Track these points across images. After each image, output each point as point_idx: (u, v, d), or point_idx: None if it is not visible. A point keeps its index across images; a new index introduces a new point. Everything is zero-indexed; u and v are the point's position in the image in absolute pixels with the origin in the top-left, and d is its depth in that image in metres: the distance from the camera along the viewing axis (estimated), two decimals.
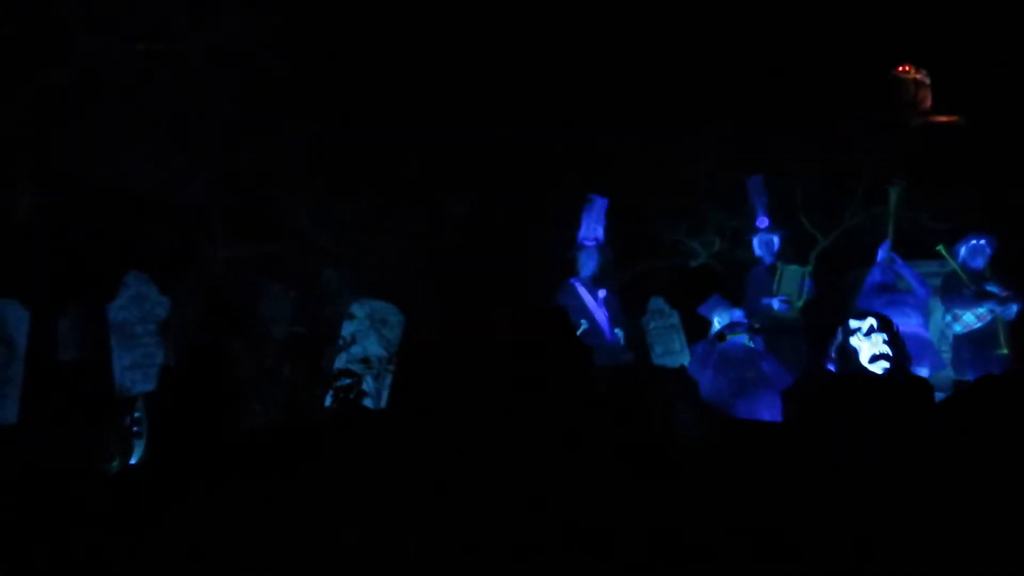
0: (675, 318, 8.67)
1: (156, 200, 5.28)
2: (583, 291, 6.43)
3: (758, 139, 8.16)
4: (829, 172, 8.48)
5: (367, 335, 5.16)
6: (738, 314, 5.28)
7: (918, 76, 7.37)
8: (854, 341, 4.30)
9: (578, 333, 6.20)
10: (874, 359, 4.28)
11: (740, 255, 8.88)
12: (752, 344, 5.16)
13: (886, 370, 4.17)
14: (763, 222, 6.88)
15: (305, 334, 5.14)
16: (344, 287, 5.29)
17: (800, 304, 6.64)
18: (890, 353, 4.21)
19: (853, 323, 4.34)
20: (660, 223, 9.05)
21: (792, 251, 8.49)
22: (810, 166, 8.49)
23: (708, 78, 8.13)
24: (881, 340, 4.33)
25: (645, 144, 8.74)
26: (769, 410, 4.65)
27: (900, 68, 7.42)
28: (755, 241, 6.90)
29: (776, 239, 6.82)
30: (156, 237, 5.26)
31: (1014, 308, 5.94)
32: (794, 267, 6.68)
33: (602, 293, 6.45)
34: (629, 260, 9.48)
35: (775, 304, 6.50)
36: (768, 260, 6.79)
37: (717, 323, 5.33)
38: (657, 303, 8.69)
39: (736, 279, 7.28)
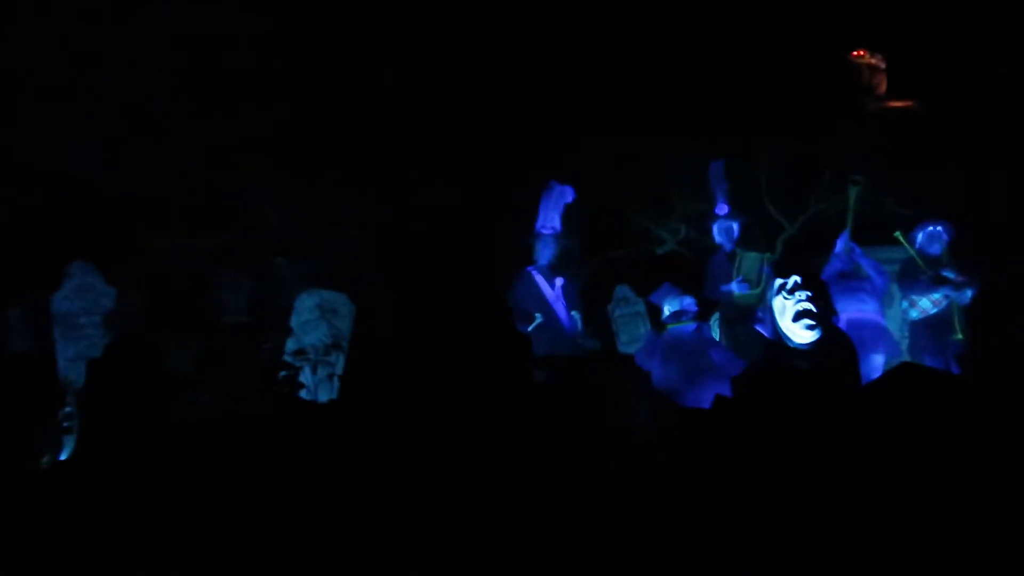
0: (640, 306, 8.64)
1: (104, 188, 5.18)
2: (540, 280, 6.40)
3: (723, 125, 8.14)
4: (794, 158, 8.48)
5: (317, 325, 5.11)
6: (688, 301, 5.26)
7: (873, 61, 7.35)
8: (777, 300, 4.08)
9: (532, 326, 6.21)
10: (797, 317, 4.01)
11: (707, 242, 8.88)
12: (702, 332, 5.14)
13: (809, 327, 3.94)
14: (722, 209, 6.88)
15: (253, 324, 5.08)
16: (295, 276, 5.23)
17: (760, 291, 6.64)
18: (814, 310, 3.94)
19: (778, 281, 4.12)
20: (627, 210, 9.04)
21: (761, 238, 8.54)
22: (774, 152, 8.49)
23: (673, 65, 8.08)
24: (804, 297, 4.06)
25: (612, 131, 8.70)
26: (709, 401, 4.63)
27: (854, 53, 7.40)
28: (715, 228, 6.90)
29: (735, 226, 6.82)
30: (103, 226, 5.17)
31: (969, 293, 5.97)
32: (754, 254, 6.69)
33: (559, 282, 6.42)
34: (597, 247, 9.49)
35: (735, 288, 6.51)
36: (728, 247, 6.79)
37: (667, 311, 5.31)
38: (622, 291, 8.67)
39: (704, 266, 7.28)
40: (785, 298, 4.04)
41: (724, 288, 6.59)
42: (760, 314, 4.21)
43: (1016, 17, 7.23)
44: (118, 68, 5.21)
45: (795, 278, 4.03)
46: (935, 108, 7.28)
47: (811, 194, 8.79)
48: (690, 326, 5.10)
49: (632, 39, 8.16)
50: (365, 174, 5.56)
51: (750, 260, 6.67)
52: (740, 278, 6.53)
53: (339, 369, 4.61)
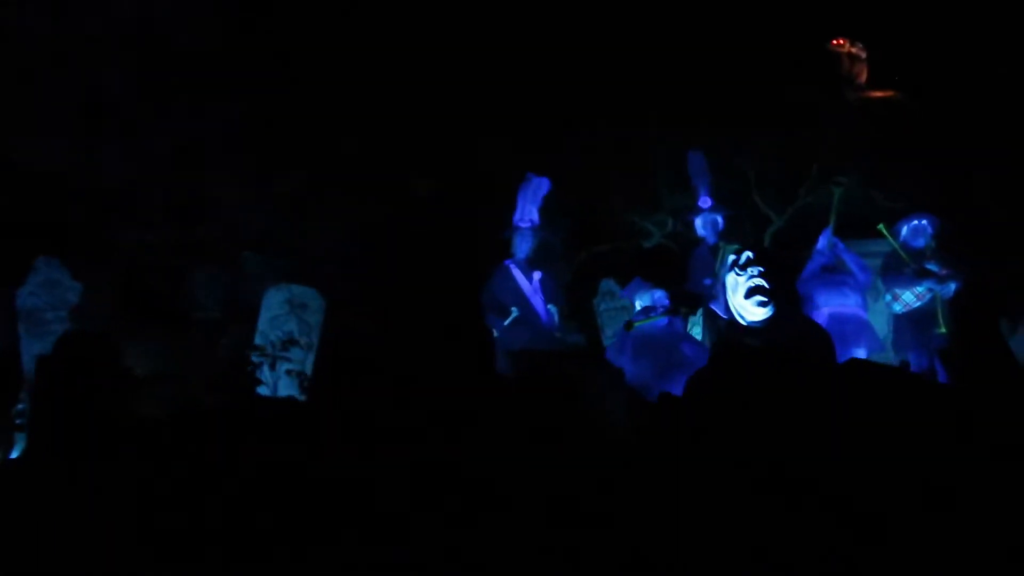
0: (625, 300, 8.64)
1: (70, 182, 5.11)
2: (518, 274, 6.33)
3: (709, 117, 8.07)
4: (781, 149, 8.40)
5: (286, 320, 5.05)
6: (659, 296, 5.19)
7: (853, 50, 7.25)
8: (730, 277, 3.91)
9: (508, 320, 6.14)
10: (749, 293, 3.83)
11: (692, 235, 8.83)
12: (673, 327, 5.07)
13: (761, 303, 3.78)
14: (706, 202, 6.81)
15: (220, 319, 5.02)
16: (266, 270, 5.17)
17: None
18: (765, 286, 3.76)
19: (730, 257, 3.95)
20: (615, 204, 8.97)
21: (744, 231, 8.47)
22: (762, 144, 8.41)
23: (659, 57, 7.99)
24: (756, 272, 3.89)
25: (598, 124, 8.63)
26: None
27: (834, 41, 7.30)
28: (698, 221, 6.82)
29: (719, 218, 6.75)
30: (69, 220, 5.10)
31: (952, 286, 5.92)
32: (736, 247, 6.60)
33: (537, 275, 6.34)
34: (584, 241, 9.42)
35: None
36: (711, 240, 6.72)
37: (638, 306, 5.25)
38: (608, 284, 8.61)
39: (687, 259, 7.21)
40: (737, 274, 3.88)
41: (707, 282, 6.53)
42: (715, 292, 4.05)
43: (1003, 8, 7.16)
44: (86, 60, 5.13)
45: (747, 253, 3.85)
46: (920, 99, 7.20)
47: (799, 187, 8.72)
48: (661, 321, 5.03)
49: (617, 30, 8.07)
50: (338, 167, 5.47)
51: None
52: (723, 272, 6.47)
53: (304, 365, 4.56)
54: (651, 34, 7.88)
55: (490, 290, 6.36)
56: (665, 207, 9.00)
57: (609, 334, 8.37)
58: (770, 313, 3.73)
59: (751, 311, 3.75)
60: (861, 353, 5.90)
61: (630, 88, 8.18)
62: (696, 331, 7.71)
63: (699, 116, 8.16)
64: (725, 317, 4.11)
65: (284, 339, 4.49)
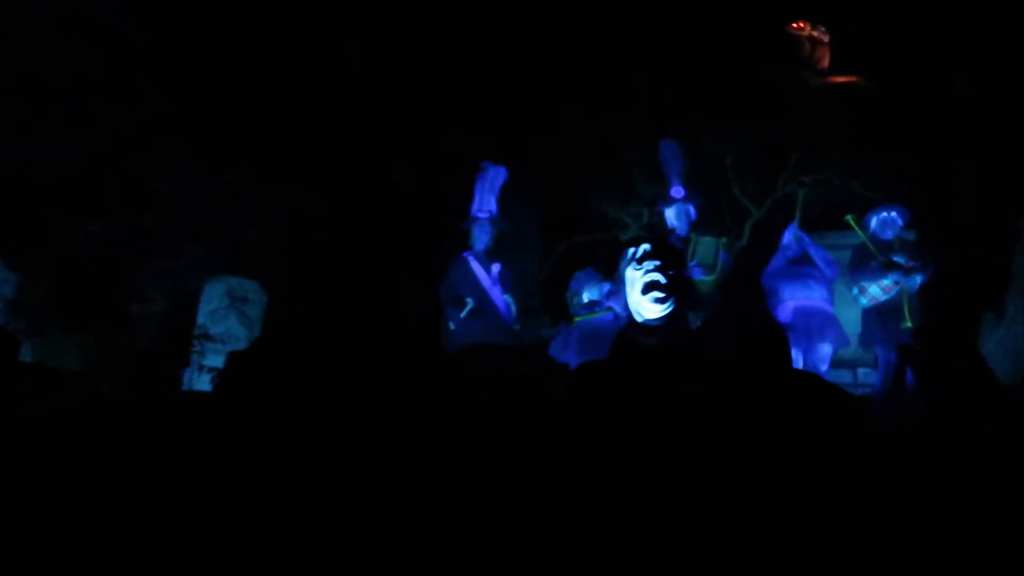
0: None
1: (6, 170, 5.00)
2: (476, 266, 6.21)
3: (685, 106, 7.94)
4: (760, 139, 8.26)
5: (226, 314, 4.96)
6: (608, 288, 5.07)
7: (815, 33, 7.08)
8: (628, 272, 3.69)
9: (464, 312, 6.04)
10: (646, 289, 3.60)
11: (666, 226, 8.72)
12: (620, 322, 4.95)
13: (658, 300, 3.56)
14: (679, 191, 6.64)
15: (160, 312, 4.93)
16: (205, 262, 5.06)
17: (714, 277, 6.45)
18: (662, 281, 3.51)
19: (628, 250, 3.70)
20: (590, 195, 8.85)
21: (717, 221, 8.32)
22: (740, 133, 8.27)
23: (631, 45, 7.85)
24: (653, 267, 3.66)
25: (573, 113, 8.50)
26: None
27: (794, 24, 7.12)
28: (670, 211, 6.67)
29: (692, 208, 6.61)
30: (5, 210, 5.00)
31: (918, 279, 5.79)
32: (708, 238, 6.47)
33: (496, 267, 6.23)
34: (563, 232, 9.32)
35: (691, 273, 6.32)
36: (683, 231, 6.58)
37: (585, 298, 5.13)
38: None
39: None
40: (635, 268, 3.64)
41: None
42: (614, 287, 3.81)
43: None
44: (24, 43, 5.02)
45: (644, 246, 3.59)
46: (886, 84, 7.05)
47: (778, 177, 8.58)
48: (608, 315, 4.90)
49: (588, 17, 7.92)
50: (284, 156, 5.35)
51: (705, 245, 6.45)
52: (695, 263, 6.32)
53: (212, 360, 4.46)
54: (622, 20, 7.72)
55: (447, 282, 6.26)
56: (641, 198, 8.88)
57: None
58: (668, 310, 3.51)
59: (647, 308, 3.52)
60: (827, 348, 5.81)
61: (601, 76, 8.03)
62: None
63: (674, 104, 8.05)
64: (623, 315, 3.93)
65: (197, 333, 4.39)
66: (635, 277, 3.56)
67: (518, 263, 9.00)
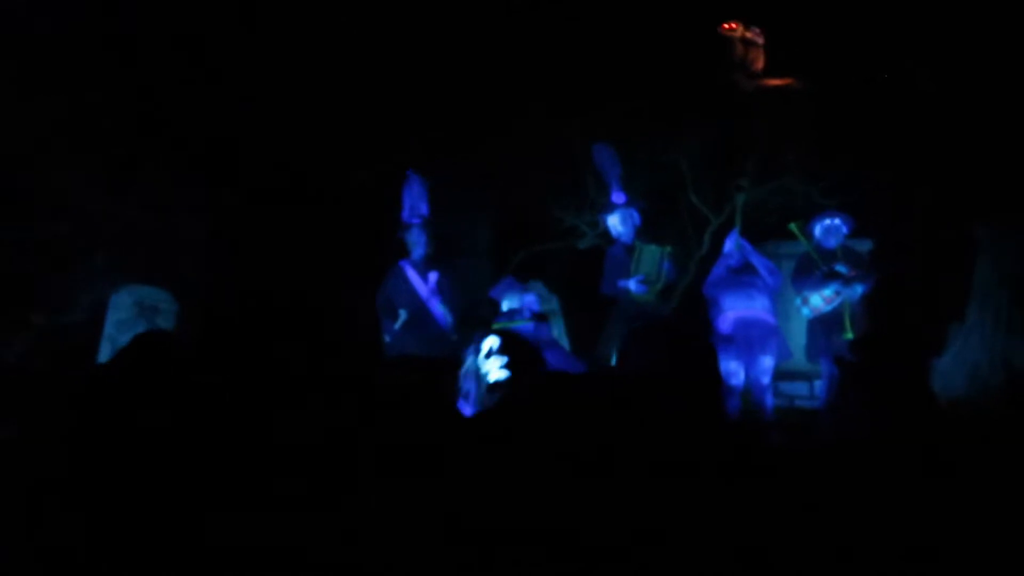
0: (555, 303, 8.40)
1: None
2: (412, 274, 6.06)
3: (640, 110, 7.79)
4: (716, 143, 8.11)
5: (134, 325, 4.79)
6: (529, 299, 4.93)
7: (748, 35, 6.94)
8: (482, 363, 3.51)
9: (397, 323, 5.89)
10: (491, 388, 3.42)
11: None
12: (539, 332, 4.80)
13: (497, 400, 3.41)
14: (619, 197, 6.51)
15: (66, 323, 4.76)
16: (116, 271, 4.88)
17: (659, 288, 6.29)
18: (507, 378, 3.31)
19: (483, 345, 3.53)
20: (546, 202, 8.68)
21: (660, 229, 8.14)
22: (697, 139, 8.12)
23: (585, 48, 7.70)
24: (501, 364, 3.47)
25: (526, 118, 8.34)
26: None
27: (725, 25, 6.97)
28: (614, 217, 6.51)
29: (637, 214, 6.46)
30: None
31: (859, 289, 5.65)
32: (653, 247, 6.32)
33: (434, 276, 6.07)
34: (519, 241, 9.16)
35: (632, 286, 6.15)
36: (628, 238, 6.43)
37: (505, 307, 4.97)
38: (535, 287, 8.40)
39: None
40: (483, 362, 3.47)
41: (621, 284, 6.24)
42: (465, 385, 3.60)
43: None
44: None
45: (491, 342, 3.39)
46: (825, 86, 6.90)
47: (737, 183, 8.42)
48: (528, 325, 4.76)
49: (541, 19, 7.78)
50: (201, 160, 5.18)
51: (649, 254, 6.30)
52: (640, 277, 6.16)
53: None
54: (573, 24, 7.58)
55: (384, 292, 6.12)
56: (596, 206, 8.72)
57: None
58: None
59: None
60: (768, 360, 5.67)
61: (552, 82, 7.88)
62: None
63: (628, 109, 7.90)
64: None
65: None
66: (483, 370, 3.40)
67: (471, 269, 8.88)
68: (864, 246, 7.87)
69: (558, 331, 8.23)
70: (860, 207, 7.74)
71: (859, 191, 7.72)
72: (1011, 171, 7.39)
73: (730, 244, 5.96)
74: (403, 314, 5.89)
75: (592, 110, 8.06)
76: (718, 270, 5.89)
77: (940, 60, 7.42)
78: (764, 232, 7.27)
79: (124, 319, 4.76)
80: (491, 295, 5.28)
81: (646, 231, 6.79)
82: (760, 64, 7.03)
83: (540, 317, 4.86)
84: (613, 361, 6.33)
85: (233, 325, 5.04)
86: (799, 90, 6.92)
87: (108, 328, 4.75)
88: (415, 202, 6.17)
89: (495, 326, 4.80)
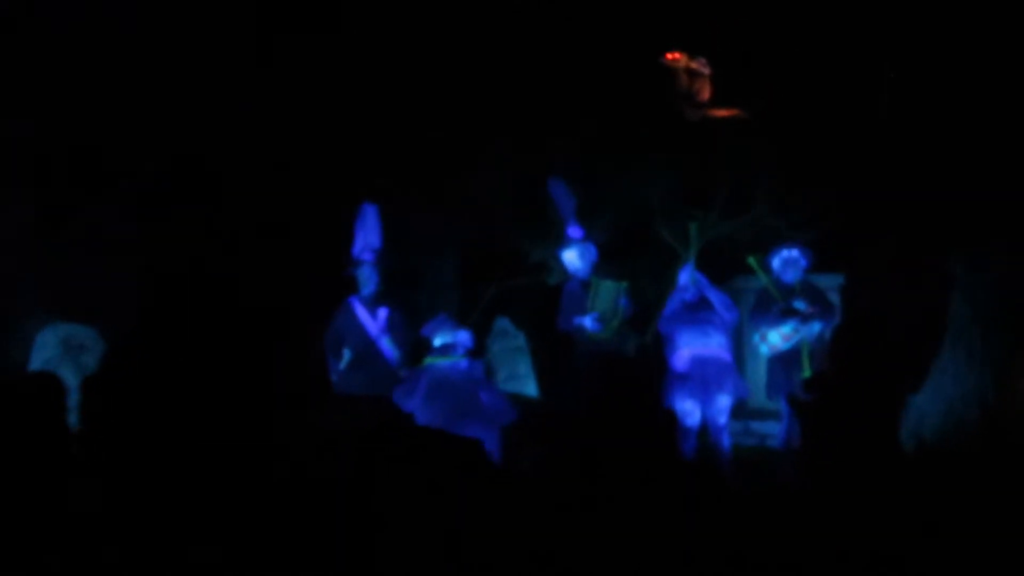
0: (521, 339, 8.24)
1: None
2: (361, 311, 5.90)
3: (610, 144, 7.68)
4: (686, 178, 7.98)
5: (60, 363, 4.64)
6: (463, 336, 4.76)
7: (693, 65, 6.85)
8: None
9: (342, 363, 5.73)
10: None
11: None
12: (473, 371, 4.62)
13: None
14: (576, 231, 6.38)
15: None
16: (42, 309, 4.72)
17: (616, 324, 6.12)
18: None
19: None
20: (514, 236, 8.55)
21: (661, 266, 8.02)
22: (666, 173, 8.00)
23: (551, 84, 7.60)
24: None
25: (492, 153, 8.25)
26: None
27: (669, 56, 6.87)
28: (570, 252, 6.37)
29: (593, 249, 6.33)
30: None
31: (816, 327, 5.46)
32: (609, 282, 6.18)
33: (383, 312, 5.91)
34: (487, 276, 9.01)
35: (588, 323, 6.00)
36: (584, 274, 6.29)
37: (437, 342, 4.81)
38: (502, 323, 8.29)
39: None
40: None
41: (577, 321, 6.09)
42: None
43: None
44: None
45: None
46: (774, 117, 6.78)
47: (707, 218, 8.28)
48: (462, 363, 4.60)
49: (506, 55, 7.70)
50: (132, 196, 5.02)
51: (606, 290, 6.16)
52: (596, 315, 6.01)
53: None
54: (538, 61, 7.48)
55: (331, 330, 5.95)
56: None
57: (503, 376, 7.97)
58: None
59: None
60: (725, 399, 5.48)
61: (516, 115, 7.77)
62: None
63: (592, 142, 7.80)
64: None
65: None
66: None
67: (436, 306, 8.71)
68: (835, 281, 7.74)
69: (525, 368, 8.07)
70: (831, 241, 7.63)
71: (830, 224, 7.60)
72: (984, 204, 7.25)
73: (685, 278, 5.82)
74: (347, 354, 5.74)
75: (556, 143, 7.96)
76: (673, 305, 5.73)
77: (908, 87, 7.31)
78: (735, 267, 7.12)
79: (50, 357, 4.61)
80: (423, 332, 5.12)
81: (605, 266, 6.66)
82: (706, 94, 6.92)
83: (474, 354, 4.69)
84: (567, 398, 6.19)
85: (160, 364, 4.90)
86: (753, 120, 6.79)
87: (33, 366, 4.60)
88: (368, 236, 6.04)
89: (425, 361, 4.63)
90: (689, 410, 5.43)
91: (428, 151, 8.07)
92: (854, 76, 7.46)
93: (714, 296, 5.71)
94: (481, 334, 8.07)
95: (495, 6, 7.22)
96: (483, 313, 8.46)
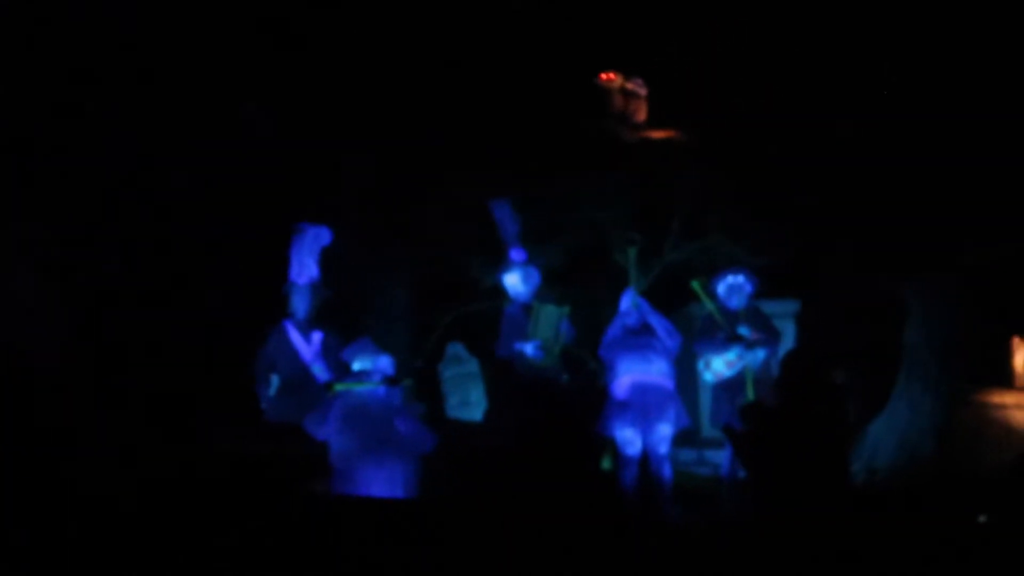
0: (473, 365, 8.04)
1: None
2: (294, 335, 5.68)
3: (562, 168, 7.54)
4: (642, 204, 7.84)
5: None
6: (384, 362, 4.56)
7: (628, 86, 6.72)
8: None
9: (271, 390, 5.52)
10: None
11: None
12: (391, 398, 4.41)
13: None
14: (519, 254, 6.20)
15: None
16: None
17: (557, 351, 5.93)
18: None
19: None
20: (467, 262, 8.38)
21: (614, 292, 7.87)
22: (622, 197, 7.87)
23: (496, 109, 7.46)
24: None
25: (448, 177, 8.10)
26: (390, 479, 3.90)
27: (603, 76, 6.75)
28: (512, 276, 6.19)
29: (535, 273, 6.15)
30: None
31: (761, 354, 5.29)
32: (551, 307, 5.98)
33: (318, 336, 5.70)
34: (440, 303, 8.83)
35: (529, 350, 5.80)
36: (526, 297, 6.10)
37: (356, 367, 4.61)
38: (454, 349, 8.12)
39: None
40: None
41: (517, 347, 5.89)
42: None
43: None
44: None
45: None
46: (714, 138, 6.66)
47: (663, 243, 8.15)
48: (379, 390, 4.39)
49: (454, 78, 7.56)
50: (51, 200, 4.79)
51: (548, 315, 5.96)
52: (537, 342, 5.81)
53: None
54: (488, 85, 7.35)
55: (263, 354, 5.73)
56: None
57: (454, 402, 7.81)
58: None
59: None
60: (666, 428, 5.29)
61: (471, 144, 7.62)
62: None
63: (547, 167, 7.66)
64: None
65: None
66: None
67: (387, 333, 8.50)
68: (790, 307, 7.59)
69: (476, 394, 7.87)
70: (786, 267, 7.49)
71: (785, 251, 7.47)
72: (939, 232, 7.15)
73: (626, 302, 5.64)
74: (275, 380, 5.52)
75: (504, 168, 7.81)
76: (614, 331, 5.55)
77: (864, 113, 7.23)
78: (690, 294, 6.99)
79: None
80: (342, 356, 4.91)
81: (557, 290, 6.48)
82: (642, 116, 6.79)
83: (392, 381, 4.47)
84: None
85: (76, 391, 4.69)
86: (692, 143, 6.67)
87: None
88: (306, 259, 5.84)
89: (337, 387, 4.42)
90: (629, 439, 5.23)
91: (380, 178, 7.92)
92: (810, 101, 7.38)
93: (656, 322, 5.54)
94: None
95: (441, 31, 7.10)
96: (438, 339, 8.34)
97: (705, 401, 6.25)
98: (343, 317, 7.40)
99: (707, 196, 7.44)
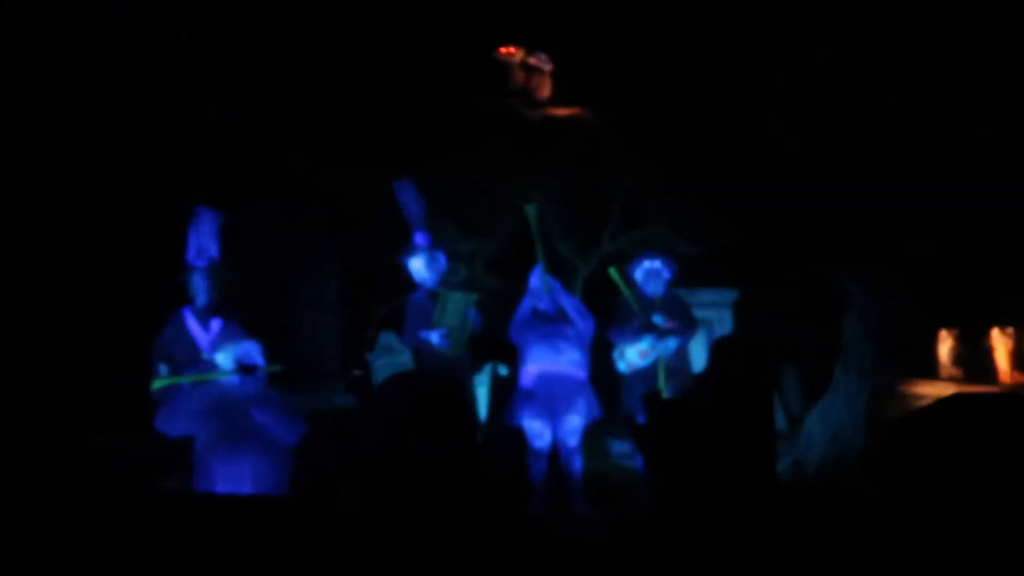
0: (406, 356, 7.74)
1: None
2: (192, 323, 5.34)
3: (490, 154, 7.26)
4: (580, 191, 7.57)
5: None
6: (245, 348, 4.23)
7: (530, 61, 6.40)
8: None
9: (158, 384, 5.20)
10: None
11: (492, 284, 7.94)
12: (247, 387, 4.10)
13: None
14: (423, 238, 5.84)
15: None
16: None
17: (465, 339, 5.60)
18: None
19: None
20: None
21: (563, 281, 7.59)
22: (563, 186, 7.59)
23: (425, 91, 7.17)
24: None
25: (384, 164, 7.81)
26: (251, 473, 3.59)
27: (503, 50, 6.41)
28: (416, 261, 5.84)
29: (442, 257, 5.81)
30: None
31: (672, 343, 5.01)
32: (458, 294, 5.66)
33: (217, 323, 5.36)
34: (374, 294, 8.55)
35: (434, 339, 5.46)
36: (432, 283, 5.76)
37: (220, 360, 4.29)
38: (387, 338, 7.85)
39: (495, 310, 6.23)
40: None
41: (423, 335, 5.55)
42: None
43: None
44: None
45: None
46: (618, 117, 6.38)
47: (603, 232, 7.87)
48: (232, 379, 4.06)
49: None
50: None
51: (455, 302, 5.62)
52: (443, 331, 5.47)
53: None
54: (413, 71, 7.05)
55: (159, 343, 5.40)
56: (459, 255, 8.13)
57: None
58: None
59: None
60: (576, 420, 4.99)
61: (401, 129, 7.33)
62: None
63: (483, 153, 7.38)
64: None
65: None
66: None
67: (316, 325, 8.20)
68: (728, 296, 7.34)
69: None
70: (725, 256, 7.24)
71: (723, 239, 7.23)
72: (881, 222, 6.91)
73: (535, 281, 5.29)
74: (163, 371, 5.18)
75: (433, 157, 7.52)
76: (523, 310, 5.23)
77: (804, 100, 6.99)
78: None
79: None
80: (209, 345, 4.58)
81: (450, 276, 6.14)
82: (545, 92, 6.45)
83: (246, 370, 4.15)
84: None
85: None
86: (601, 122, 6.36)
87: None
88: (203, 242, 5.49)
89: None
90: (537, 431, 4.95)
91: (309, 160, 7.64)
92: (751, 88, 7.13)
93: (567, 303, 5.23)
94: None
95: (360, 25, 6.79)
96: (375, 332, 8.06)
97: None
98: (270, 307, 7.11)
99: (642, 184, 7.19)
